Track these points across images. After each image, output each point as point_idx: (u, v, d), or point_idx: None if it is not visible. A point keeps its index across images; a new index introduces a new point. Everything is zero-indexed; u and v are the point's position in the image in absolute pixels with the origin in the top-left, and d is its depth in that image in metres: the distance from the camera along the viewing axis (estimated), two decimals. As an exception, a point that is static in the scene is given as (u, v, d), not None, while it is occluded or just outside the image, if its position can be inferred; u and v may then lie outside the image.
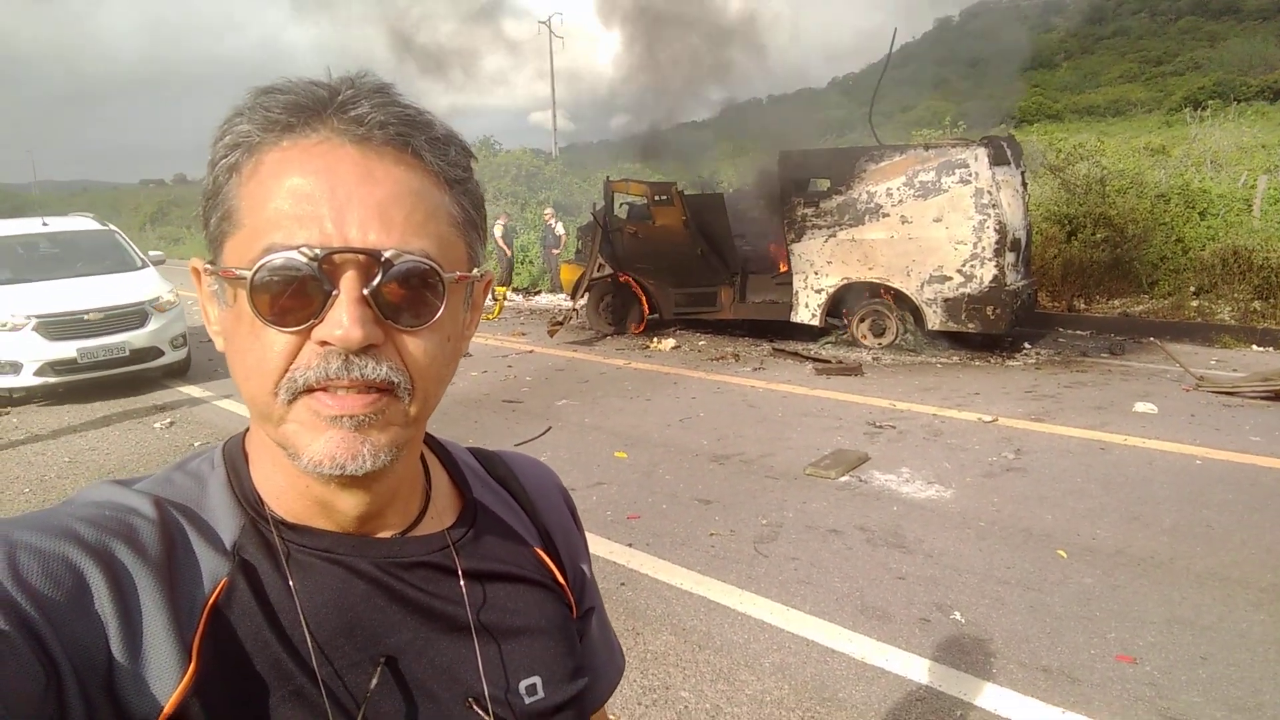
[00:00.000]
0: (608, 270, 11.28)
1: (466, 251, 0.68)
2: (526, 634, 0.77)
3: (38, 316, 7.89)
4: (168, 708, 0.58)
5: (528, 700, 0.75)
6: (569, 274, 12.63)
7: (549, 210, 18.30)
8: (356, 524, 0.70)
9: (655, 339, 10.89)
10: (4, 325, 7.85)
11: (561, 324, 11.40)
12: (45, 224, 9.64)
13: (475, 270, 0.69)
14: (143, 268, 9.44)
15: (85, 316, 8.10)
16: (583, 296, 11.59)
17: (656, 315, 11.42)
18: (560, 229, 17.14)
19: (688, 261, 10.83)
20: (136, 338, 8.40)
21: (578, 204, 22.23)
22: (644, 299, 11.33)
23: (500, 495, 0.86)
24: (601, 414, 7.29)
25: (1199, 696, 3.04)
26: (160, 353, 8.66)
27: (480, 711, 0.71)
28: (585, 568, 0.92)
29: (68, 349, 7.96)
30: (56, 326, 7.97)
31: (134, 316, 8.46)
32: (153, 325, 8.54)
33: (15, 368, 7.82)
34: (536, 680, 0.76)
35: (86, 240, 9.70)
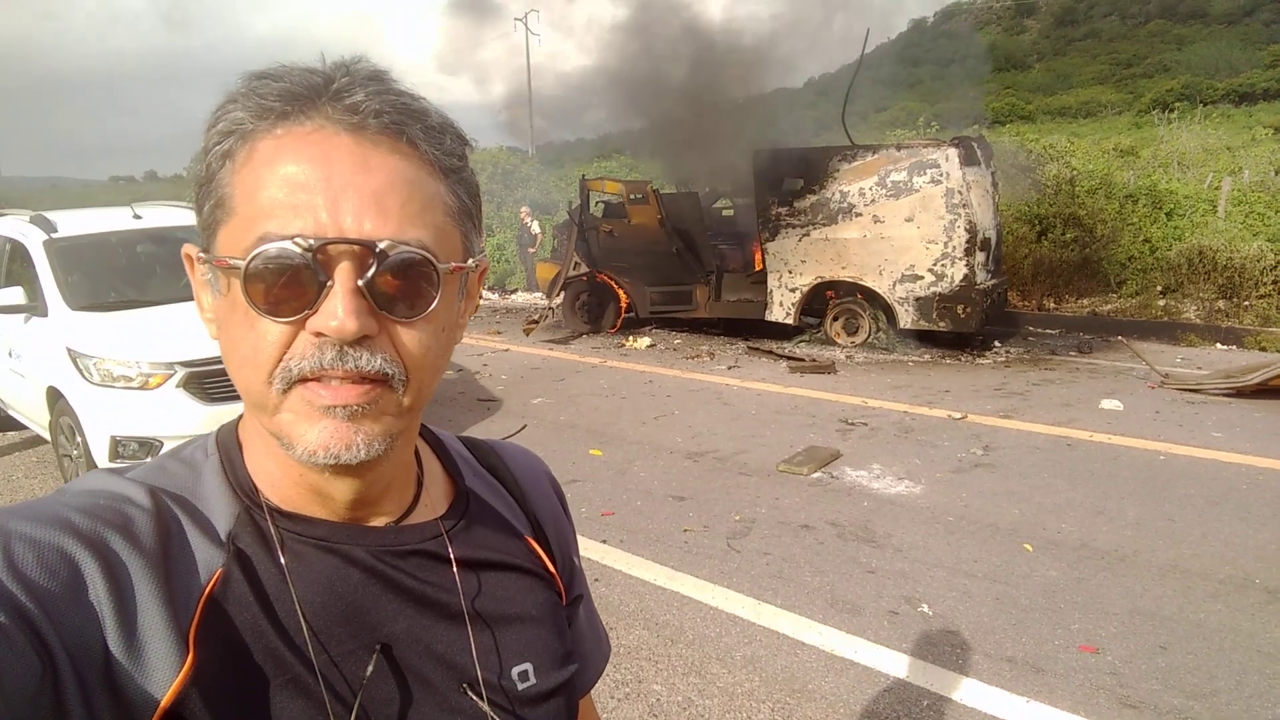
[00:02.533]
0: (584, 269, 11.29)
1: (462, 241, 0.67)
2: (519, 621, 0.78)
3: (185, 364, 4.85)
4: (167, 698, 0.58)
5: (520, 686, 0.75)
6: (545, 272, 12.62)
7: (525, 209, 18.26)
8: (351, 512, 0.70)
9: (631, 337, 10.92)
10: (129, 380, 4.87)
11: (537, 322, 11.40)
12: (139, 216, 6.26)
13: (470, 260, 0.68)
14: None
15: None
16: (559, 295, 11.60)
17: (632, 314, 11.45)
18: (536, 227, 17.11)
19: (663, 260, 10.86)
20: None
21: (554, 202, 22.19)
22: (620, 297, 11.35)
23: (491, 484, 0.86)
24: (577, 412, 7.31)
25: (1158, 684, 3.11)
26: None
27: (475, 697, 0.71)
28: (574, 556, 0.93)
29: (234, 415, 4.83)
30: (216, 381, 4.90)
31: None
32: None
33: (150, 449, 4.92)
34: (529, 666, 0.77)
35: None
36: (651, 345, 10.55)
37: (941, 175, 8.91)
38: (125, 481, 0.66)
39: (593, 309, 11.61)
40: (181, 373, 4.86)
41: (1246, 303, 10.93)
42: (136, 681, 0.57)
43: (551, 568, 0.85)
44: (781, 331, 10.53)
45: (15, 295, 5.40)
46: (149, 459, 0.73)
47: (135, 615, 0.59)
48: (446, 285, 0.64)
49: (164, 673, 0.58)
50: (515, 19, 40.35)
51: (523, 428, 6.75)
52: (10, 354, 5.63)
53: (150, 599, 0.59)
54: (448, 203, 0.65)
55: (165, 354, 4.90)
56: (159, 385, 4.87)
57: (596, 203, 11.74)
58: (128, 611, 0.58)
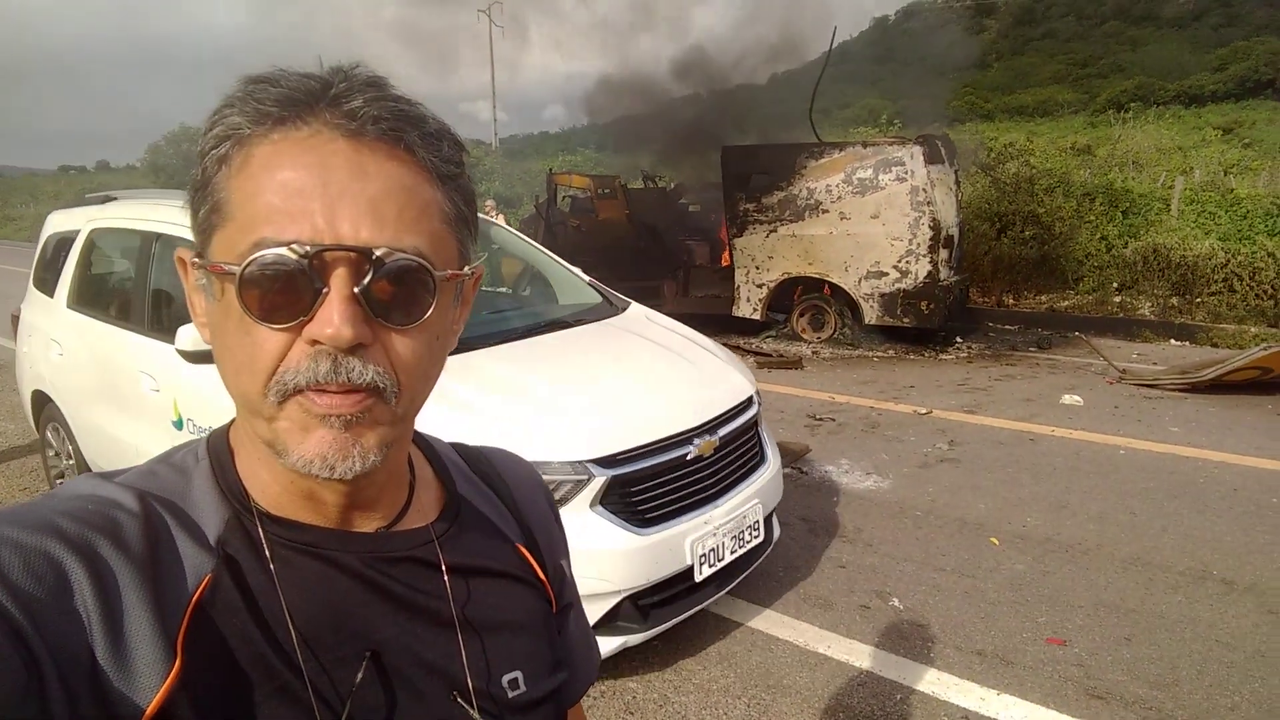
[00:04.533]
0: (550, 263, 11.26)
1: (458, 248, 0.68)
2: (508, 629, 0.78)
3: (605, 462, 2.93)
4: (153, 705, 0.57)
5: (510, 694, 0.75)
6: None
7: (490, 202, 18.11)
8: (342, 517, 0.70)
9: (598, 332, 10.88)
10: None
11: (503, 317, 11.35)
12: None
13: (466, 267, 0.68)
14: (624, 308, 4.42)
15: (692, 448, 3.16)
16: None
17: (599, 309, 11.43)
18: (501, 222, 17.01)
19: (631, 255, 10.86)
20: (766, 491, 3.51)
21: (518, 195, 22.09)
22: (587, 292, 11.33)
23: (483, 491, 0.86)
24: (545, 408, 7.27)
25: (1124, 675, 3.19)
26: (770, 520, 3.65)
27: (464, 705, 0.71)
28: (564, 564, 0.92)
29: (697, 539, 3.11)
30: (657, 488, 3.08)
31: (750, 438, 3.56)
32: (771, 457, 3.67)
33: None
34: (518, 674, 0.77)
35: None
36: (619, 340, 10.54)
37: (906, 173, 9.01)
38: (114, 486, 0.65)
39: (559, 304, 11.57)
40: (601, 479, 2.86)
41: (1199, 299, 11.22)
42: (123, 687, 0.57)
43: (542, 575, 0.85)
44: (746, 326, 10.58)
45: None
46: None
47: (122, 621, 0.58)
48: (442, 293, 0.64)
49: (151, 679, 0.58)
50: (479, 10, 39.97)
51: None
52: (187, 427, 3.46)
53: (138, 605, 0.59)
54: (444, 210, 0.65)
55: (569, 444, 2.87)
56: (562, 501, 2.78)
57: (563, 197, 11.72)
58: (115, 617, 0.58)
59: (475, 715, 0.71)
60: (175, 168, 35.00)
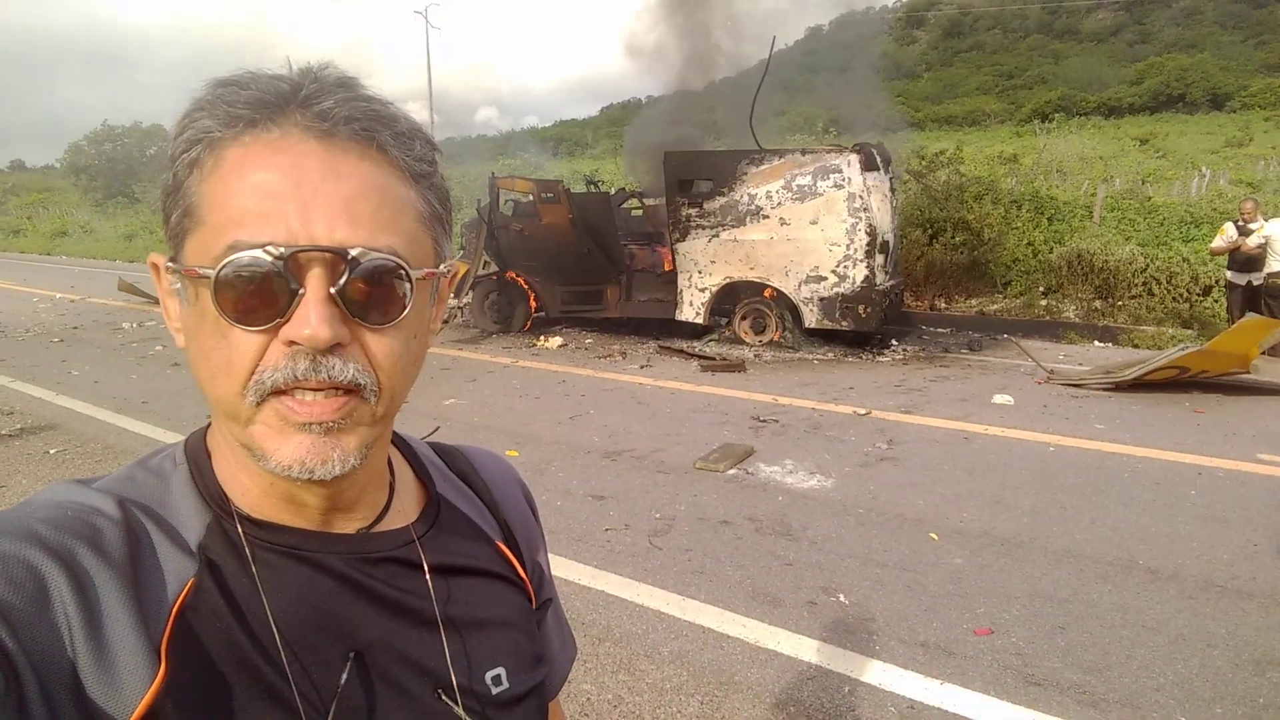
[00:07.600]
0: (493, 268, 11.19)
1: (433, 246, 0.68)
2: (490, 626, 0.79)
3: None
4: (137, 712, 0.57)
5: (494, 690, 0.76)
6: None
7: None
8: (323, 518, 0.70)
9: (541, 337, 10.87)
10: None
11: (446, 322, 11.24)
12: None
13: (441, 265, 0.69)
14: None
15: None
16: (467, 294, 11.46)
17: (542, 313, 11.41)
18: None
19: (574, 259, 10.86)
20: None
21: (458, 199, 21.87)
22: (530, 297, 11.29)
23: (461, 490, 0.87)
24: (490, 413, 7.24)
25: (1059, 662, 3.32)
26: None
27: (449, 702, 0.72)
28: (543, 560, 0.93)
29: None
30: None
31: None
32: None
33: None
34: (501, 671, 0.77)
35: None
36: (563, 345, 10.54)
37: (844, 180, 9.21)
38: (92, 492, 0.65)
39: (502, 308, 11.51)
40: None
41: (1120, 303, 11.70)
42: (106, 695, 0.56)
43: (522, 572, 0.86)
44: (688, 330, 10.67)
45: None
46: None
47: (104, 628, 0.57)
48: (418, 291, 0.65)
49: (135, 686, 0.57)
50: (415, 11, 39.50)
51: (436, 429, 6.63)
52: None
53: (120, 611, 0.58)
54: (418, 209, 0.66)
55: None
56: None
57: (506, 201, 11.65)
58: (96, 624, 0.57)
59: (460, 712, 0.72)
60: (98, 168, 33.61)
